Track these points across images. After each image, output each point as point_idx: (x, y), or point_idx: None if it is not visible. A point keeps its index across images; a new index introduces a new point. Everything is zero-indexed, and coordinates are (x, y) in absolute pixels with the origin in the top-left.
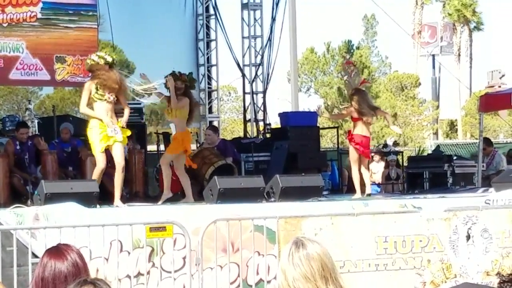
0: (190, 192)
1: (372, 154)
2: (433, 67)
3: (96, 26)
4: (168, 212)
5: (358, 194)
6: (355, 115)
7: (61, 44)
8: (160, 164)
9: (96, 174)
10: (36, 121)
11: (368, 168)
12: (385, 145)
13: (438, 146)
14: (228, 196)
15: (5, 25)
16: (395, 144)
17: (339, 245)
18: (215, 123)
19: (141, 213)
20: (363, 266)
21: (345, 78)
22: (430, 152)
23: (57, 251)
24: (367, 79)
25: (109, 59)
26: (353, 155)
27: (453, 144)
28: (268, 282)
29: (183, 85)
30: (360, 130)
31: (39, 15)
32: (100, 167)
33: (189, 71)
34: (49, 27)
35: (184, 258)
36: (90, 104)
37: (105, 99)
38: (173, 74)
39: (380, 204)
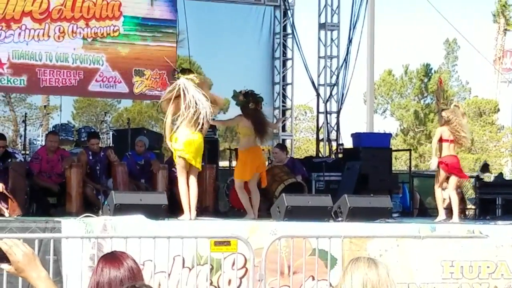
0: (256, 209)
1: None
2: None
3: (175, 44)
4: (233, 227)
5: (441, 215)
6: (445, 135)
7: (140, 57)
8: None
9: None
10: (111, 133)
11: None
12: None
13: (501, 173)
14: (295, 214)
15: (89, 39)
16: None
17: (404, 267)
18: (288, 142)
19: (207, 227)
20: None
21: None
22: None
23: (112, 257)
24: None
25: None
26: (440, 176)
27: None
28: None
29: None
30: (447, 151)
31: (122, 30)
32: None
33: (261, 89)
34: (129, 41)
35: (241, 278)
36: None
37: None
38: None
39: (447, 229)
